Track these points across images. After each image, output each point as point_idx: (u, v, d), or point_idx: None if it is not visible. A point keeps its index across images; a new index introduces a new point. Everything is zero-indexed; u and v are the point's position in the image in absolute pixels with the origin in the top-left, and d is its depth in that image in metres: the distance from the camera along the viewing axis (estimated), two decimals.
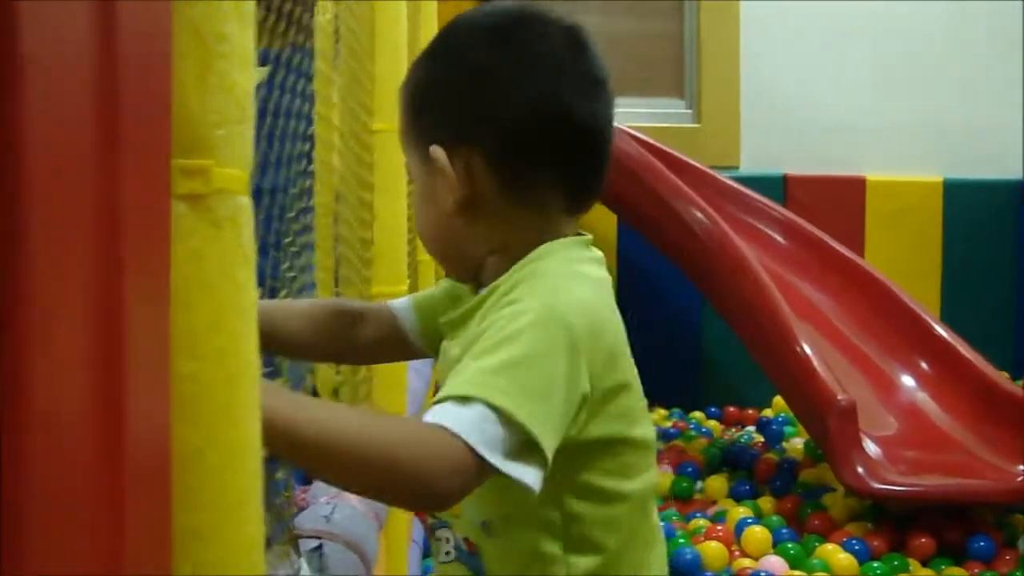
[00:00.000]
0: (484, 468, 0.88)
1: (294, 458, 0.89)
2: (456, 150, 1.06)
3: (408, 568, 2.25)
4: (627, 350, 1.07)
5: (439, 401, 0.91)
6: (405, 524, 2.02)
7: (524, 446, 0.91)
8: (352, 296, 1.88)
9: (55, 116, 0.44)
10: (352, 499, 1.51)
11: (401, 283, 2.02)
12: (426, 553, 2.80)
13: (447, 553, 1.10)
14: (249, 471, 0.62)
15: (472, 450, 0.87)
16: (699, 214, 3.35)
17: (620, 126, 3.76)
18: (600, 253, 1.13)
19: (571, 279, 1.04)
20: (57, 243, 0.44)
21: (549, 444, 0.91)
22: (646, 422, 1.09)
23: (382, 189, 1.98)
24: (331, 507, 1.44)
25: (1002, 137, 5.05)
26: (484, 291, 1.08)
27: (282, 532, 1.23)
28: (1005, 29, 4.94)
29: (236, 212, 0.62)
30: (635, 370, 1.08)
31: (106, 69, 0.48)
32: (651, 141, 4.03)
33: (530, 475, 0.91)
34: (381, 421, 0.95)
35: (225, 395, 0.61)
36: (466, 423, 0.88)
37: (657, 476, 1.20)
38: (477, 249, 1.10)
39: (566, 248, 1.09)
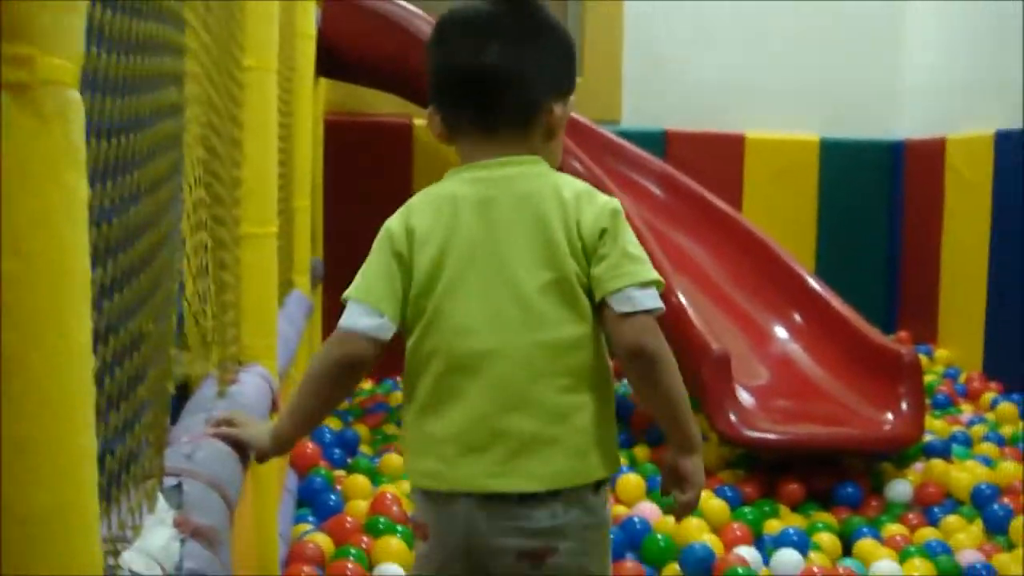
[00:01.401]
0: (339, 333, 1.47)
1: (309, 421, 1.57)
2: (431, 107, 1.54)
3: (279, 512, 2.23)
4: (424, 242, 1.46)
5: None
6: (275, 470, 1.99)
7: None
8: (222, 236, 1.83)
9: None
10: (215, 440, 1.48)
11: (270, 224, 1.99)
12: (301, 503, 2.78)
13: None
14: (78, 378, 0.59)
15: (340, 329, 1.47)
16: (577, 165, 3.35)
17: None
18: (466, 173, 1.48)
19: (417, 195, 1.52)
20: None
21: (350, 293, 1.48)
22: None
23: (252, 128, 1.94)
24: (194, 446, 1.41)
25: (878, 98, 5.16)
26: None
27: (142, 470, 1.20)
28: None
29: (65, 106, 0.58)
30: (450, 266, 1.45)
31: None
32: None
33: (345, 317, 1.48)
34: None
35: (50, 298, 0.58)
36: (344, 318, 1.48)
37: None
38: None
39: (450, 174, 1.51)
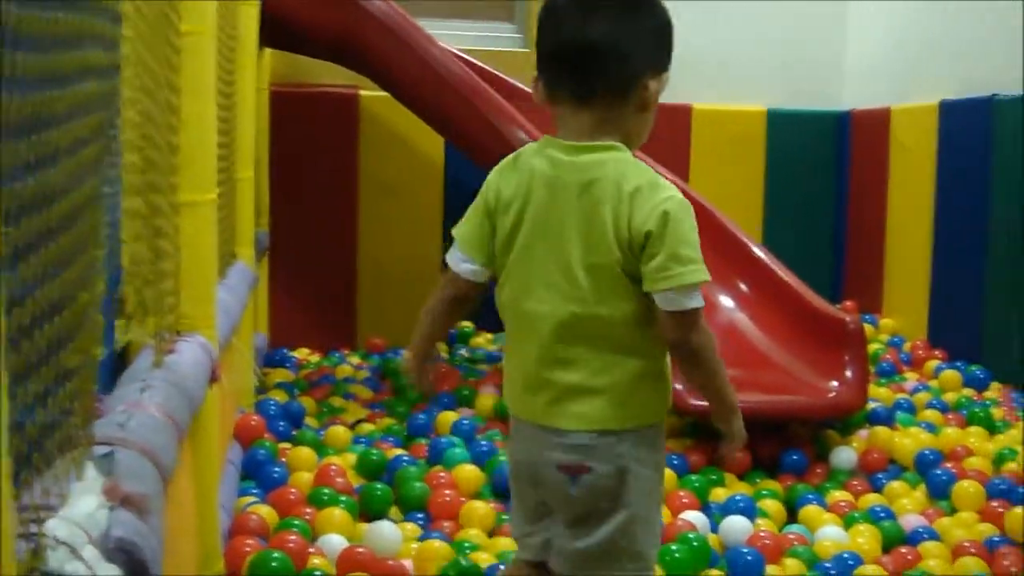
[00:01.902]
0: (448, 272, 1.76)
1: None
2: None
3: (221, 484, 2.21)
4: (506, 208, 1.67)
5: None
6: (214, 440, 1.97)
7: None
8: (159, 203, 1.80)
9: None
10: (150, 407, 1.46)
11: (209, 191, 1.96)
12: (245, 475, 2.76)
13: None
14: None
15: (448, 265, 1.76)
16: (523, 135, 3.33)
17: (450, 49, 3.72)
18: (548, 150, 1.64)
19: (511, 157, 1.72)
20: None
21: (455, 232, 1.75)
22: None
23: (189, 93, 1.90)
24: (127, 415, 1.39)
25: (824, 69, 5.17)
26: None
27: (69, 438, 1.18)
28: None
29: None
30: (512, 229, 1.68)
31: None
32: (480, 64, 4.00)
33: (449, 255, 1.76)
34: None
35: None
36: (449, 255, 1.76)
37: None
38: None
39: (541, 143, 1.68)
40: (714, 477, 2.96)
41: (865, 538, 2.56)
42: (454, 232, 1.75)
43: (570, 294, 1.63)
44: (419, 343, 1.82)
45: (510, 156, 1.71)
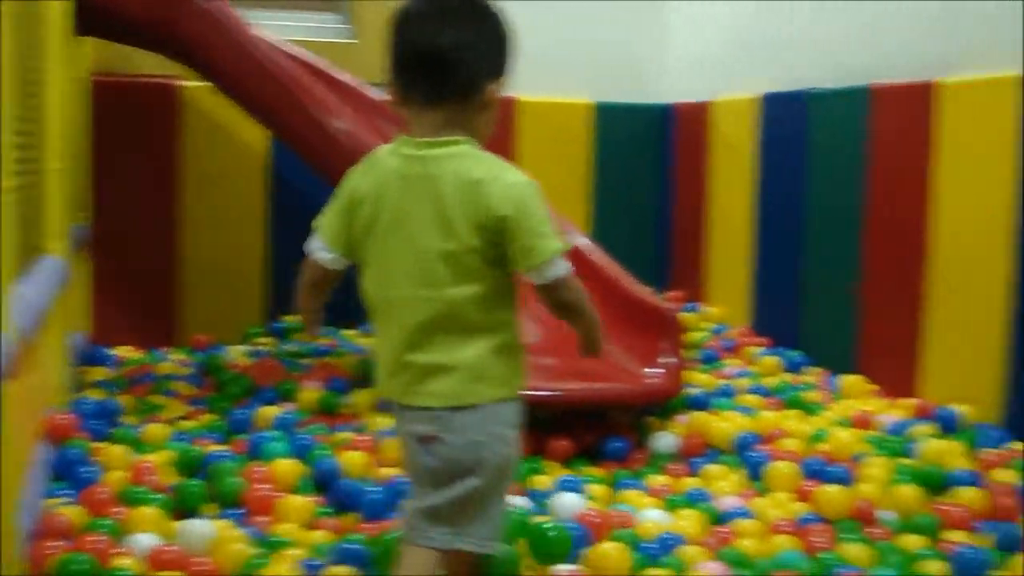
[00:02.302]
0: (308, 257, 1.96)
1: None
2: None
3: (24, 485, 2.14)
4: (363, 202, 1.86)
5: None
6: (12, 438, 1.90)
7: None
8: None
9: None
10: None
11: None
12: (58, 476, 2.67)
13: None
14: None
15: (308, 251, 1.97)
16: (344, 126, 3.30)
17: (272, 39, 3.67)
18: (401, 148, 1.85)
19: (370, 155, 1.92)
20: None
21: (317, 223, 1.94)
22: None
23: None
24: None
25: (648, 62, 5.26)
26: None
27: None
28: None
29: None
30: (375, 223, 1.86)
31: None
32: (301, 54, 3.95)
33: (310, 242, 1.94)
34: None
35: None
36: (309, 242, 1.97)
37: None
38: None
39: (395, 142, 1.88)
40: (537, 465, 2.98)
41: (685, 520, 2.61)
42: (315, 224, 1.93)
43: (425, 280, 1.81)
44: (306, 315, 2.05)
45: (368, 155, 1.91)
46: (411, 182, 1.82)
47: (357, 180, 1.89)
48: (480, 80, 1.85)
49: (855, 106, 3.87)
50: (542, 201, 1.82)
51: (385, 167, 1.86)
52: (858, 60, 4.01)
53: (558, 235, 1.82)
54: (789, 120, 4.26)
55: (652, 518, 2.60)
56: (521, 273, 1.83)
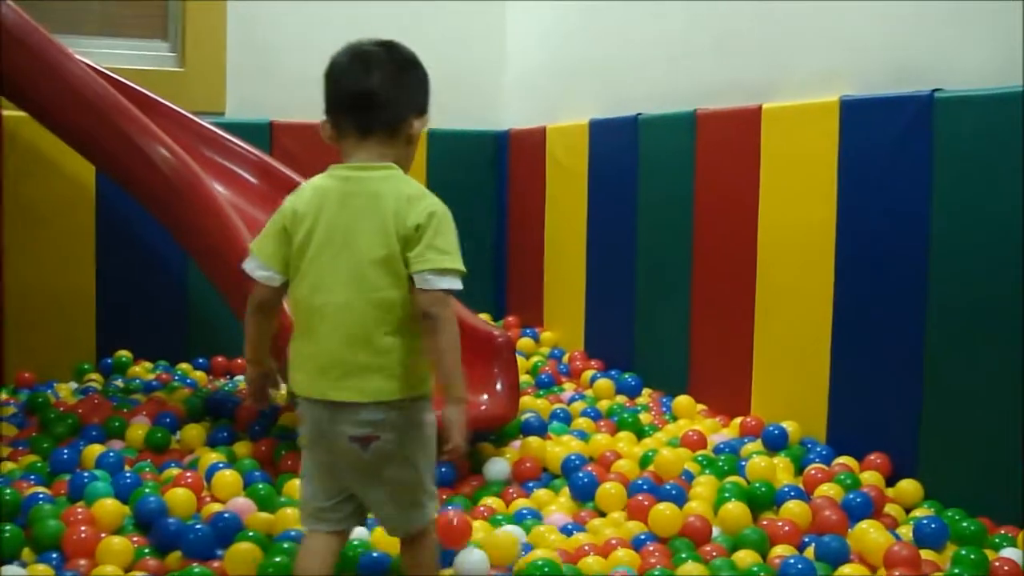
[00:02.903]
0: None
1: None
2: None
3: None
4: (301, 220, 2.05)
5: None
6: None
7: None
8: None
9: None
10: None
11: None
12: None
13: None
14: None
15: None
16: (166, 153, 3.23)
17: (92, 65, 3.57)
18: (337, 172, 2.07)
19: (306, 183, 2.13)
20: None
21: (251, 246, 2.11)
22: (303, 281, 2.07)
23: None
24: None
25: (483, 89, 5.30)
26: None
27: None
28: None
29: None
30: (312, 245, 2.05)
31: None
32: (126, 82, 3.86)
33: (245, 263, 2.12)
34: None
35: None
36: (245, 263, 2.13)
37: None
38: None
39: (330, 169, 2.09)
40: None
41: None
42: (251, 246, 2.11)
43: (360, 285, 2.00)
44: (249, 350, 2.20)
45: (304, 183, 2.13)
46: (351, 199, 2.03)
47: (294, 201, 2.08)
48: (405, 114, 2.11)
49: (683, 131, 3.94)
50: (453, 227, 2.04)
51: (322, 188, 2.06)
52: (685, 86, 4.09)
53: (457, 257, 2.02)
54: (620, 145, 4.33)
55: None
56: (413, 274, 2.00)
